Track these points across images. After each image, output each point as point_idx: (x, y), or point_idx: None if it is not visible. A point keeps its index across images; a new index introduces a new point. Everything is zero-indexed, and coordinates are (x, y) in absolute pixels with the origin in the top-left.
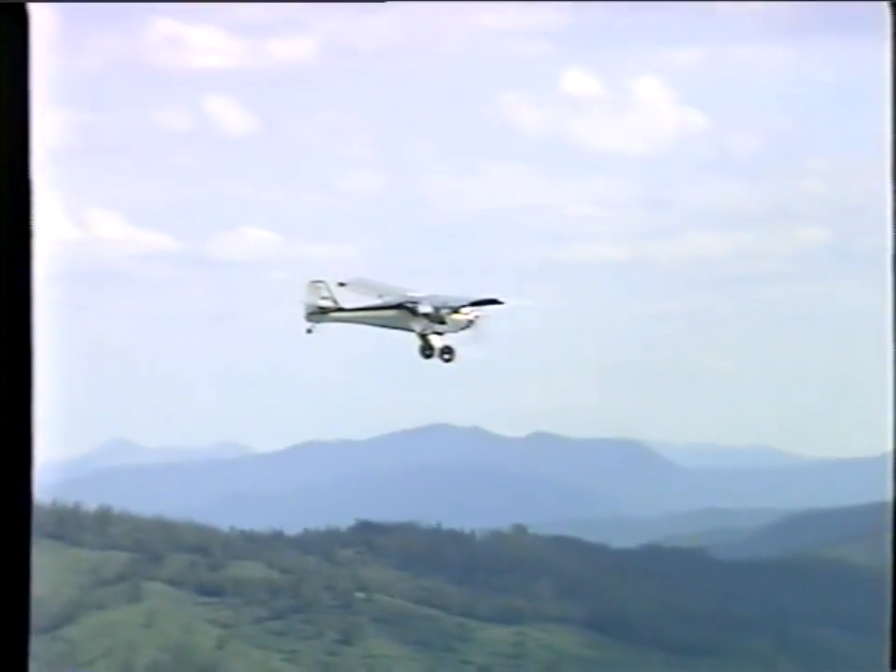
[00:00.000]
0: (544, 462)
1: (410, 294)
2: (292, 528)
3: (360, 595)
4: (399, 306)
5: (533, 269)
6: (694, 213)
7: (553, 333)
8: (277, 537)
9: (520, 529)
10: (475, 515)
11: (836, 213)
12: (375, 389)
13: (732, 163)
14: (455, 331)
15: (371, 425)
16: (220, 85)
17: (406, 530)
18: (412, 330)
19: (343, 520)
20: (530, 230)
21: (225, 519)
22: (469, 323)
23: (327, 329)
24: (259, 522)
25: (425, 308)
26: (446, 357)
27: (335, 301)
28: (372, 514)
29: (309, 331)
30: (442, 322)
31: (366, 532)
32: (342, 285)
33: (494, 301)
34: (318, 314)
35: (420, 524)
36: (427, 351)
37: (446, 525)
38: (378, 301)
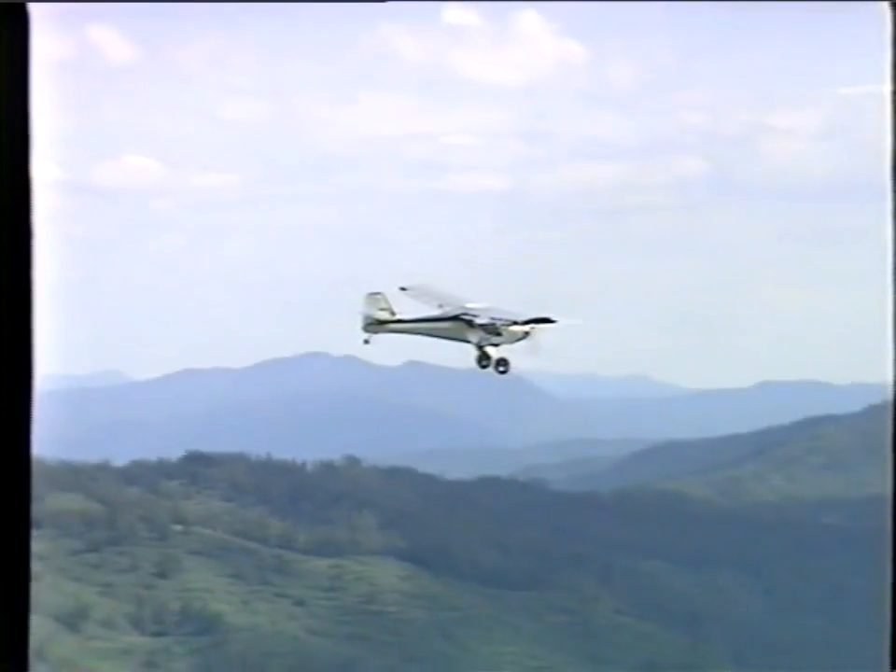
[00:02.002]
0: (418, 391)
1: (468, 305)
2: (145, 458)
3: (177, 527)
4: (455, 318)
5: (413, 198)
6: (574, 144)
7: (432, 262)
8: (102, 468)
9: (352, 461)
10: (341, 444)
11: (714, 145)
12: (250, 317)
13: (611, 95)
14: (511, 343)
15: (248, 352)
16: (102, 14)
17: (235, 461)
18: (468, 342)
19: (206, 449)
20: (410, 159)
21: (90, 450)
22: (525, 335)
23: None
24: (121, 452)
25: (481, 320)
26: (501, 369)
27: (392, 313)
28: (236, 444)
29: (366, 342)
30: (498, 334)
31: (194, 463)
32: (402, 289)
33: (547, 320)
34: (375, 325)
35: (250, 455)
36: (483, 361)
37: (277, 456)
38: (435, 312)
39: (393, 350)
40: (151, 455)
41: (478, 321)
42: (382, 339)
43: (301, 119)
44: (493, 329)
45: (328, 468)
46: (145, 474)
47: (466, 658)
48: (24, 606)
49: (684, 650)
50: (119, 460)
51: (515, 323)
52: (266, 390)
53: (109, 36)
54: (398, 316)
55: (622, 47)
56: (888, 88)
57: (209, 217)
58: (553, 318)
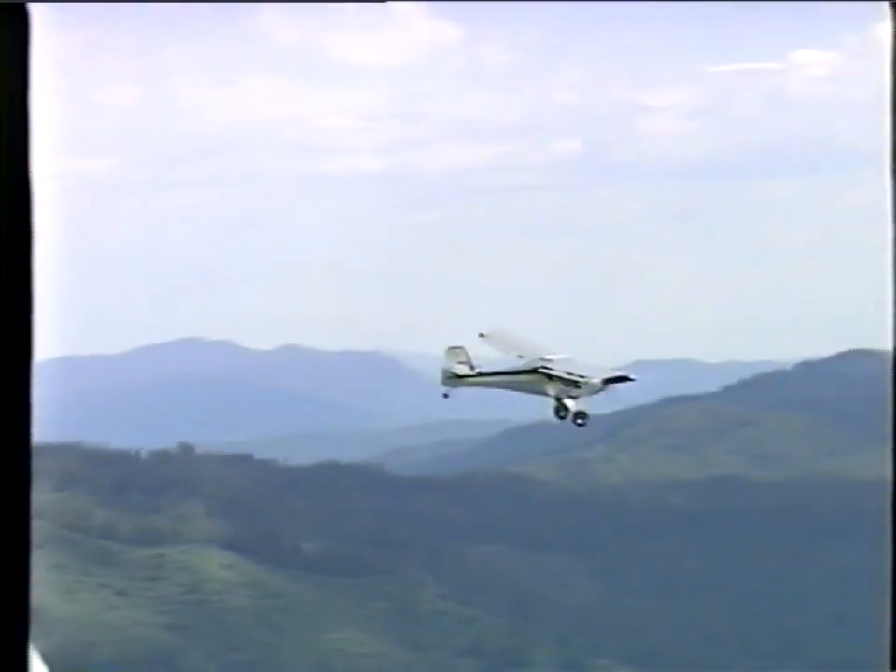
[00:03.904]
0: (292, 375)
1: (546, 357)
2: None
3: None
4: (534, 371)
5: (291, 181)
6: (449, 124)
7: (309, 245)
8: None
9: (186, 448)
10: (203, 430)
11: (588, 124)
12: (128, 302)
13: (486, 76)
14: (589, 395)
15: (123, 338)
16: None
17: (69, 451)
18: (547, 394)
19: (71, 437)
20: (287, 141)
21: None
22: (604, 387)
23: None
24: None
25: (560, 373)
26: (579, 421)
27: (472, 367)
28: (86, 432)
29: (445, 396)
30: (577, 386)
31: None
32: (481, 336)
33: (626, 378)
34: (454, 379)
35: (86, 444)
36: (561, 413)
37: (115, 445)
38: (514, 365)
39: (268, 333)
40: None
41: (556, 373)
42: (255, 321)
43: (180, 103)
44: (572, 383)
45: (162, 455)
46: None
47: (288, 645)
48: (24, 605)
49: (508, 634)
50: None
51: (592, 379)
52: (139, 376)
53: None
54: (477, 370)
55: (495, 27)
56: (760, 66)
57: (89, 202)
58: (632, 377)
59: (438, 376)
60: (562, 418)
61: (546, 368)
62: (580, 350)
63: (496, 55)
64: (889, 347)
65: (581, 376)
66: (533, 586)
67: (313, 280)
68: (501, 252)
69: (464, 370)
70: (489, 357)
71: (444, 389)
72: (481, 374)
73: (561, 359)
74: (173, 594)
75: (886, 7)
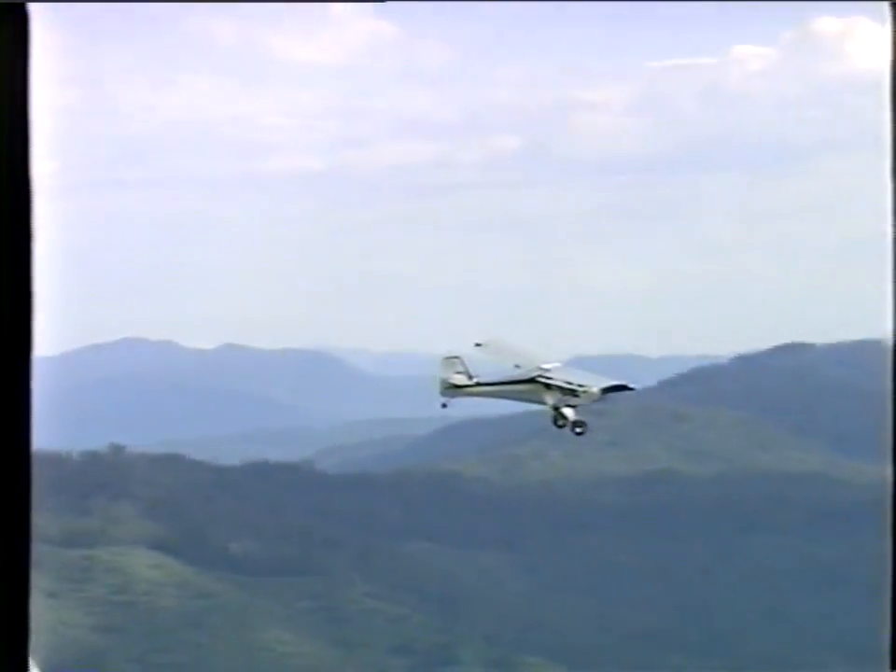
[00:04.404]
0: (233, 374)
1: (543, 366)
2: None
3: None
4: (532, 380)
5: (232, 180)
6: (389, 122)
7: (250, 244)
8: None
9: (117, 449)
10: (139, 430)
11: (526, 120)
12: (71, 302)
13: (424, 73)
14: (588, 404)
15: (64, 338)
16: None
17: None
18: (545, 404)
19: None
20: (227, 141)
21: None
22: (602, 396)
23: None
24: None
25: (559, 382)
26: (578, 430)
27: (469, 376)
28: (38, 432)
29: (444, 406)
30: (575, 395)
31: None
32: (477, 345)
33: (625, 388)
34: (452, 389)
35: None
36: (559, 422)
37: (48, 447)
38: (512, 375)
39: (209, 333)
40: None
41: (555, 383)
42: (195, 319)
43: (120, 105)
44: (570, 392)
45: (92, 457)
46: None
47: (216, 645)
48: (24, 605)
49: (436, 631)
50: None
51: (591, 388)
52: (79, 376)
53: None
54: (475, 380)
55: (433, 25)
56: (697, 61)
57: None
58: (631, 386)
59: (379, 374)
60: (560, 427)
61: (544, 377)
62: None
63: (434, 53)
64: (821, 340)
65: (580, 385)
66: (463, 583)
67: (254, 279)
68: (442, 249)
69: (462, 379)
70: (481, 366)
71: (442, 399)
72: (479, 384)
73: (558, 368)
74: (101, 595)
75: (886, 7)
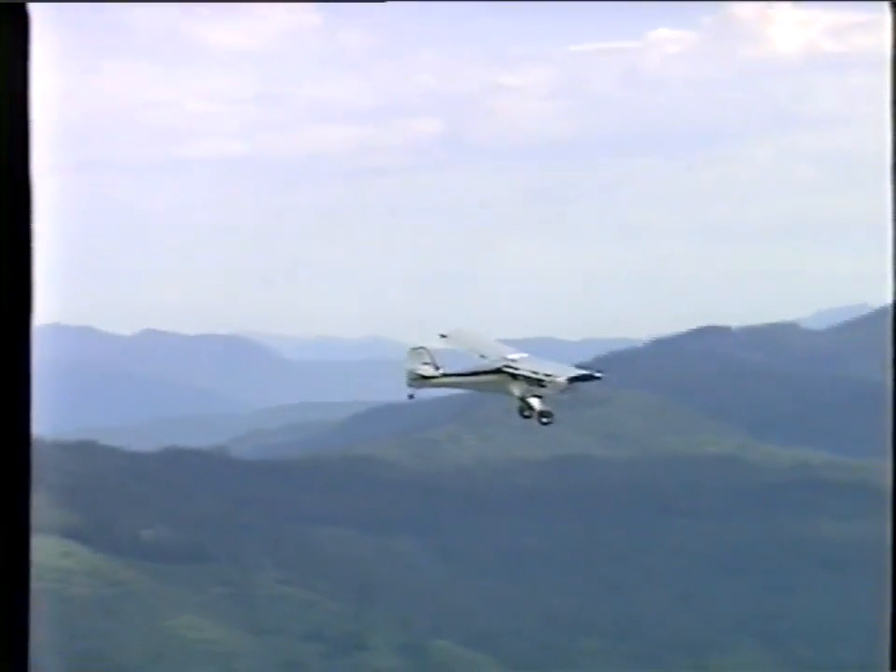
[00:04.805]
0: (153, 360)
1: (509, 357)
2: None
3: None
4: (498, 371)
5: (153, 166)
6: (311, 107)
7: (172, 229)
8: None
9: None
10: (70, 416)
11: (447, 105)
12: None
13: (345, 59)
14: (555, 395)
15: None
16: None
17: None
18: (511, 394)
19: None
20: (150, 127)
21: None
22: (569, 386)
23: None
24: None
25: (526, 372)
26: (544, 420)
27: (436, 367)
28: None
29: (411, 397)
30: (542, 385)
31: None
32: (442, 337)
33: (592, 377)
34: (419, 380)
35: None
36: (525, 412)
37: None
38: (478, 365)
39: (128, 319)
40: None
41: (521, 373)
42: (116, 306)
43: (42, 92)
44: (536, 382)
45: None
46: None
47: (127, 633)
48: (24, 606)
49: (349, 618)
50: None
51: (557, 378)
52: None
53: None
54: (441, 371)
55: (354, 11)
56: (617, 45)
57: None
58: (598, 375)
59: (300, 359)
60: (527, 417)
61: (510, 367)
62: (441, 329)
63: (355, 38)
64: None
65: (547, 375)
66: (376, 569)
67: (175, 264)
68: (364, 233)
69: (429, 370)
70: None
71: (409, 390)
72: (445, 375)
73: (524, 358)
74: None
75: (886, 6)
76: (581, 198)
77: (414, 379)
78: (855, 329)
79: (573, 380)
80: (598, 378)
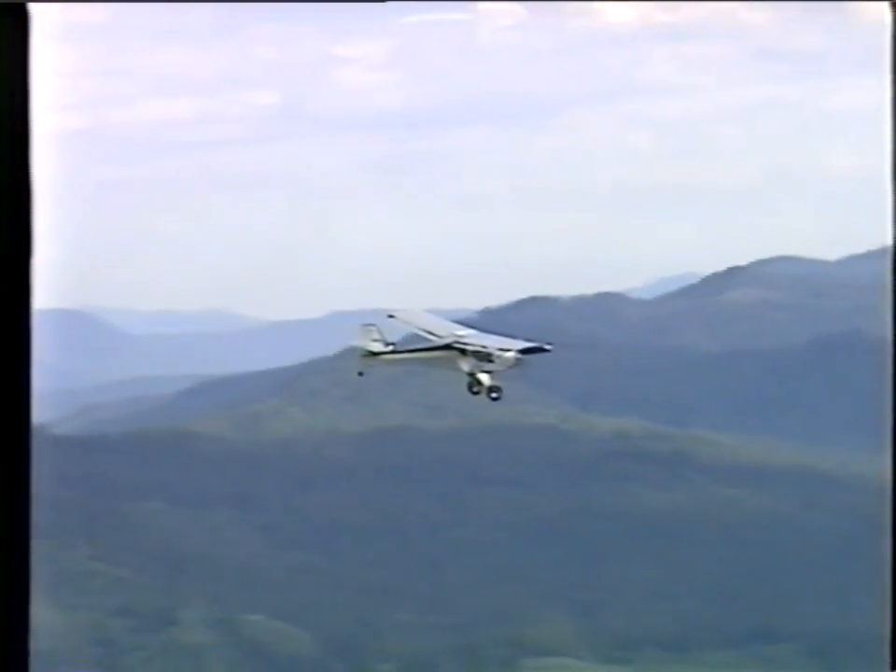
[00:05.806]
0: None
1: (457, 333)
2: None
3: None
4: (447, 347)
5: None
6: (149, 80)
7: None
8: None
9: None
10: None
11: (285, 77)
12: None
13: (183, 31)
14: (503, 370)
15: None
16: None
17: None
18: (460, 370)
19: None
20: None
21: None
22: (517, 361)
23: None
24: None
25: (473, 347)
26: (493, 395)
27: (386, 344)
28: None
29: (360, 374)
30: (490, 361)
31: None
32: (391, 317)
33: (541, 349)
34: (369, 356)
35: None
36: (475, 388)
37: None
38: (428, 342)
39: None
40: None
41: (470, 348)
42: None
43: None
44: (484, 356)
45: None
46: None
47: None
48: (24, 608)
49: (160, 593)
50: None
51: (507, 351)
52: None
53: None
54: (391, 347)
55: None
56: (450, 16)
57: None
58: (547, 347)
59: (138, 332)
60: (476, 393)
61: (459, 343)
62: (280, 302)
63: (194, 11)
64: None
65: (497, 349)
66: (191, 543)
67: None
68: (204, 206)
69: (378, 347)
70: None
71: (359, 367)
72: (395, 351)
73: (473, 335)
74: None
75: (886, 6)
76: (418, 168)
77: (364, 355)
78: (682, 298)
79: (522, 353)
80: (548, 350)
